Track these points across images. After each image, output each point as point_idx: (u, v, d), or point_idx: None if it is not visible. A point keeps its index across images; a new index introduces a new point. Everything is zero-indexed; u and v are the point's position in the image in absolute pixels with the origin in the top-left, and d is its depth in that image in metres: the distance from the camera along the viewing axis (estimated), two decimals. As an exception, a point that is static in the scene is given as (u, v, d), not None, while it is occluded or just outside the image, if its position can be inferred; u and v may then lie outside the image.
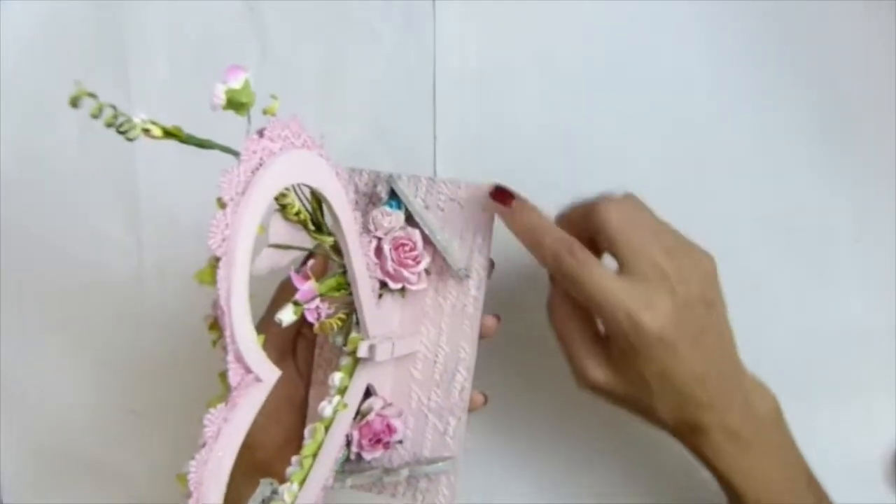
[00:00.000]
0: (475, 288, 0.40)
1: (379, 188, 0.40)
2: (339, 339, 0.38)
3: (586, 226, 0.39)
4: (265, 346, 0.40)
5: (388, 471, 0.40)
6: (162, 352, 0.51)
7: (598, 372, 0.38)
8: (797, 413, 0.48)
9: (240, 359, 0.29)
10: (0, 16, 0.49)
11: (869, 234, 0.46)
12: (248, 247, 0.28)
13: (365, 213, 0.39)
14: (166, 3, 0.49)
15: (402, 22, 0.48)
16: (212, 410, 0.28)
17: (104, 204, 0.51)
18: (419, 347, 0.41)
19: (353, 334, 0.38)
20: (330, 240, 0.35)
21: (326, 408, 0.37)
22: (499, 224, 0.40)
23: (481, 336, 0.41)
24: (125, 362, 0.52)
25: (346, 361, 0.38)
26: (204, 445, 0.28)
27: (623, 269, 0.37)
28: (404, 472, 0.40)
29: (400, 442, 0.40)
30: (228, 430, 0.29)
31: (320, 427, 0.37)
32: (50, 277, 0.51)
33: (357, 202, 0.40)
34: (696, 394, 0.38)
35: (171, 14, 0.49)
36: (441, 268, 0.40)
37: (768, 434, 0.40)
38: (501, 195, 0.39)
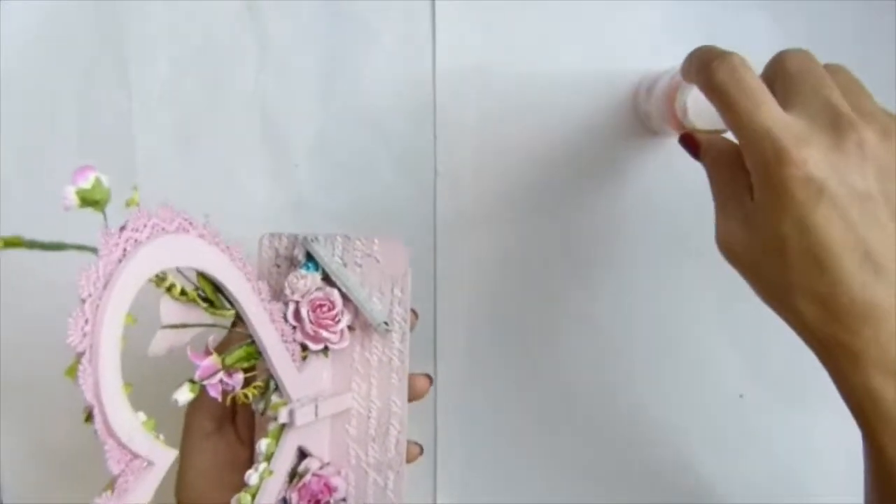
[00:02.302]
0: (399, 340, 0.40)
1: (296, 251, 0.40)
2: (261, 406, 0.38)
3: (766, 77, 0.33)
4: (202, 411, 0.40)
5: None
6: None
7: (731, 225, 0.32)
8: (799, 417, 0.48)
9: (123, 446, 0.28)
10: (0, 16, 0.49)
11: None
12: (114, 339, 0.28)
13: (285, 278, 0.39)
14: (166, 3, 0.49)
15: (402, 22, 0.48)
16: (97, 500, 0.28)
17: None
18: (352, 404, 0.40)
19: (275, 399, 0.38)
20: (230, 313, 0.35)
21: (252, 476, 0.37)
22: (417, 275, 0.41)
23: (414, 398, 0.41)
24: (125, 363, 0.52)
25: (272, 426, 0.38)
26: None
27: (791, 107, 0.31)
28: None
29: (343, 500, 0.40)
30: None
31: (246, 496, 0.36)
32: (50, 277, 0.51)
33: (279, 266, 0.40)
34: (847, 268, 0.29)
35: (171, 14, 0.49)
36: (365, 323, 0.40)
37: None
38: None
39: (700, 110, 0.38)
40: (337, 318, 0.39)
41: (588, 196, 0.48)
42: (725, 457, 0.49)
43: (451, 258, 0.49)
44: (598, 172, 0.48)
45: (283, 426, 0.38)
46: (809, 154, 0.29)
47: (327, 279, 0.40)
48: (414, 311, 0.42)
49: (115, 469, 0.28)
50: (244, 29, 0.49)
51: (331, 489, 0.39)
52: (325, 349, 0.40)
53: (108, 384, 0.28)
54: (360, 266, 0.40)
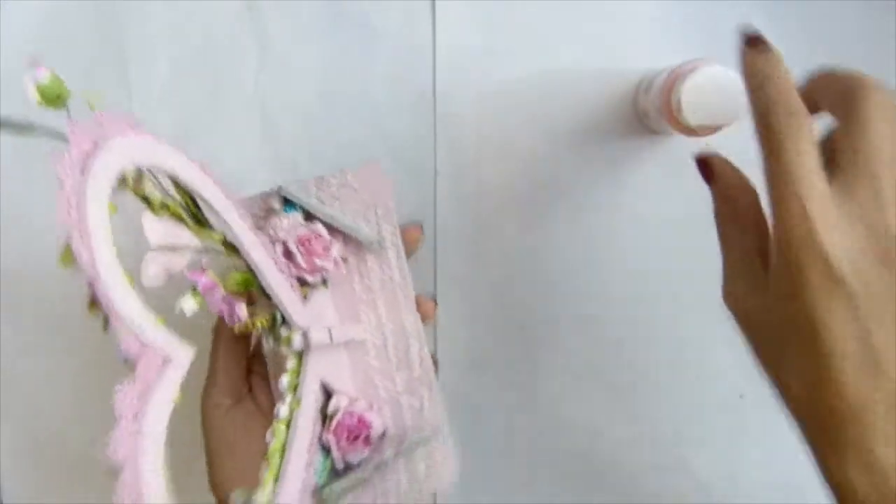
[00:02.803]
0: (395, 257, 0.40)
1: (273, 202, 0.40)
2: (272, 341, 0.37)
3: (827, 94, 0.31)
4: (217, 389, 0.39)
5: (378, 465, 0.38)
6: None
7: (739, 285, 0.31)
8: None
9: (129, 329, 0.27)
10: (0, 16, 0.49)
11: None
12: (101, 215, 0.27)
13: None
14: (166, 3, 0.49)
15: (402, 22, 0.48)
16: (118, 387, 0.27)
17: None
18: (366, 336, 0.40)
19: (285, 332, 0.37)
20: (218, 235, 0.34)
21: (281, 408, 0.36)
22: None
23: (424, 321, 0.40)
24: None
25: (290, 364, 0.37)
26: (121, 418, 0.27)
27: (836, 171, 0.29)
28: (389, 453, 0.38)
29: (383, 434, 0.39)
30: (148, 411, 0.28)
31: (280, 426, 0.36)
32: (50, 277, 0.51)
33: (260, 228, 0.40)
34: (846, 369, 0.28)
35: (171, 14, 0.49)
36: (357, 251, 0.40)
37: None
38: (754, 41, 0.32)
39: (693, 106, 0.38)
40: (327, 247, 0.39)
41: (588, 195, 0.48)
42: (725, 457, 0.49)
43: (452, 258, 0.49)
44: (599, 172, 0.48)
45: (300, 358, 0.37)
46: (838, 241, 0.28)
47: (309, 218, 0.39)
48: (420, 226, 0.41)
49: (130, 350, 0.27)
50: (244, 29, 0.49)
51: (366, 424, 0.38)
52: (324, 281, 0.39)
53: (104, 259, 0.27)
54: (338, 199, 0.40)
